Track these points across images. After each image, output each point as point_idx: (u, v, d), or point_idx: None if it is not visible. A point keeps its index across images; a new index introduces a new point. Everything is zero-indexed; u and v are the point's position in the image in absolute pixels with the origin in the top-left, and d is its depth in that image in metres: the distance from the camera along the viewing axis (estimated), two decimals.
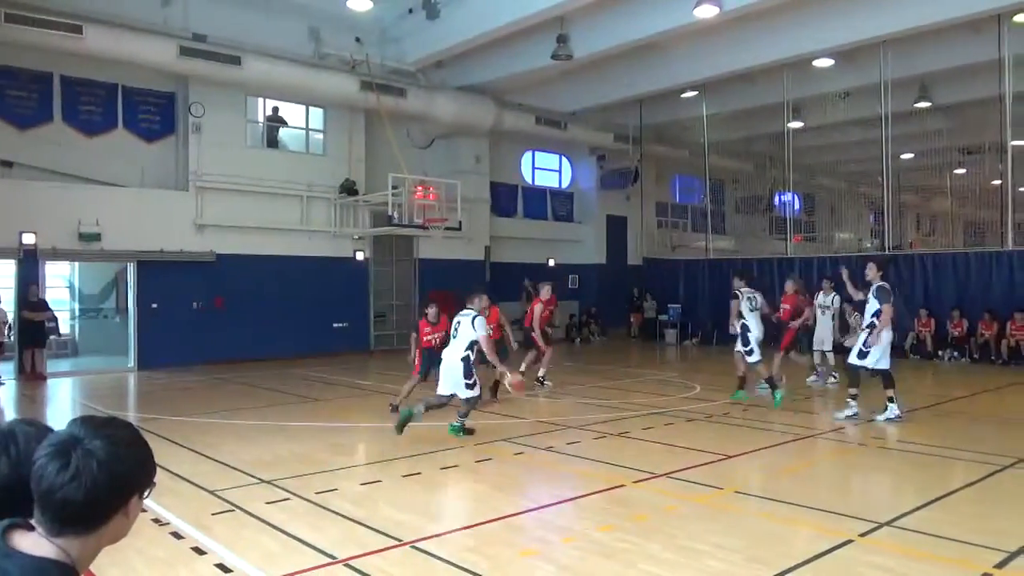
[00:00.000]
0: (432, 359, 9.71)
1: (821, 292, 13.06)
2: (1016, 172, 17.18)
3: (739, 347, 10.92)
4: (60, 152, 15.41)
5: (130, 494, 1.56)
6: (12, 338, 14.42)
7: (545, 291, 12.45)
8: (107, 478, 1.49)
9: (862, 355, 9.31)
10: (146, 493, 1.62)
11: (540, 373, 12.45)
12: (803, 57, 17.59)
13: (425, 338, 10.11)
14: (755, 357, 10.77)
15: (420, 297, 20.47)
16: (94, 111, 15.89)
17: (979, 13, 14.75)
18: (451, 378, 8.44)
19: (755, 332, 10.75)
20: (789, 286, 12.35)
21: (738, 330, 10.99)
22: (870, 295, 9.44)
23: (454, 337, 8.56)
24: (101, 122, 15.97)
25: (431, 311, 10.29)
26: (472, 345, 8.40)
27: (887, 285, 9.46)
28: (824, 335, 12.64)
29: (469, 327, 8.40)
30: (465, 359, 8.40)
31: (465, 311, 8.60)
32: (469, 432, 8.65)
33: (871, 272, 9.56)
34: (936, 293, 17.46)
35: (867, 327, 9.32)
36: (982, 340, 16.41)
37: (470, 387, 8.46)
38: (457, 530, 5.31)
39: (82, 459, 1.48)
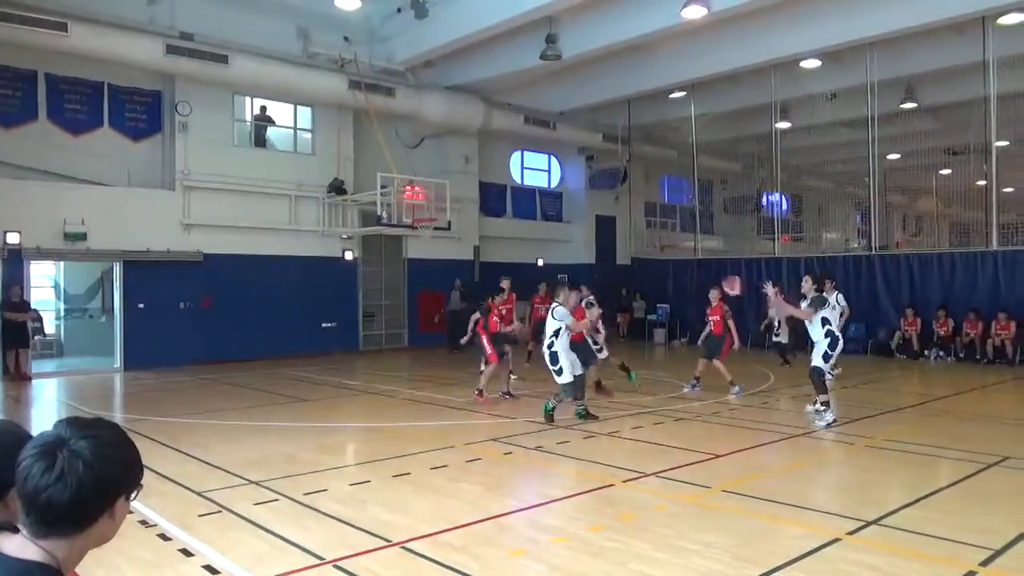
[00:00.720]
0: (498, 339, 11.11)
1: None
2: (1000, 173, 17.33)
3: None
4: (45, 151, 15.26)
5: (116, 495, 1.54)
6: None
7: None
8: (92, 479, 1.48)
9: (826, 358, 9.63)
10: (133, 495, 1.60)
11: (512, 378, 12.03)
12: (790, 58, 17.69)
13: (494, 319, 11.25)
14: (603, 354, 11.74)
15: (409, 297, 20.49)
16: (79, 109, 15.75)
17: (964, 15, 14.89)
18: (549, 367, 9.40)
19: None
20: (713, 295, 12.07)
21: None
22: (806, 306, 9.88)
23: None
24: (86, 121, 15.84)
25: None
26: (556, 333, 9.22)
27: (822, 295, 9.90)
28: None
29: (551, 317, 9.33)
30: (549, 346, 9.28)
31: (553, 304, 9.52)
32: (590, 416, 9.43)
33: (806, 285, 10.03)
34: (922, 293, 17.60)
35: (827, 336, 9.56)
36: (967, 339, 16.55)
37: (558, 373, 9.24)
38: (447, 530, 5.29)
39: (68, 459, 1.47)
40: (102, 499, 1.51)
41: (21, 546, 1.49)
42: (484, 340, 11.20)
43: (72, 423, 1.54)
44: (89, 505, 1.49)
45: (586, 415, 9.53)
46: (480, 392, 11.14)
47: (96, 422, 1.57)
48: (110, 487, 1.52)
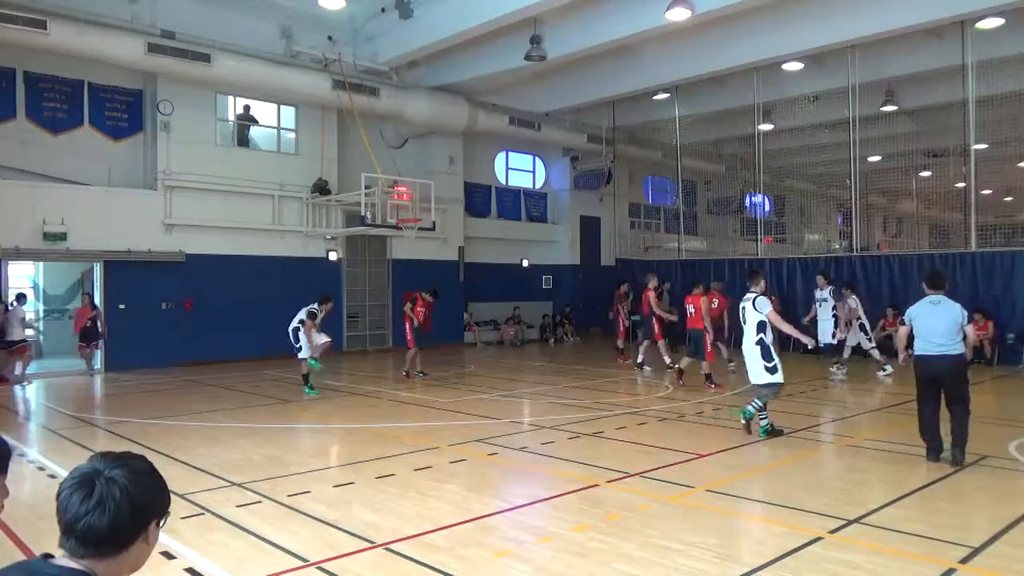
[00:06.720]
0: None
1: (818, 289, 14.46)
2: (979, 175, 17.54)
3: None
4: (24, 150, 15.08)
5: (149, 519, 1.66)
6: None
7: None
8: (129, 504, 1.60)
9: None
10: (163, 521, 1.72)
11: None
12: (773, 60, 17.83)
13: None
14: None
15: (394, 298, 20.42)
16: (59, 108, 15.57)
17: (943, 19, 15.08)
18: (752, 366, 8.47)
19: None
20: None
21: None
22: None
23: (744, 323, 8.50)
24: (67, 120, 15.66)
25: None
26: (762, 327, 8.34)
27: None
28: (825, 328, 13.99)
29: (752, 310, 8.44)
30: (760, 343, 8.34)
31: (748, 294, 8.57)
32: (776, 432, 8.44)
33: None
34: (903, 294, 17.75)
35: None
36: None
37: (770, 371, 8.34)
38: (431, 532, 5.28)
39: (105, 487, 1.60)
40: (137, 523, 1.63)
41: (66, 562, 1.60)
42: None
43: (105, 456, 1.68)
44: (126, 529, 1.61)
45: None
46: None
47: (126, 454, 1.71)
48: (144, 511, 1.64)
